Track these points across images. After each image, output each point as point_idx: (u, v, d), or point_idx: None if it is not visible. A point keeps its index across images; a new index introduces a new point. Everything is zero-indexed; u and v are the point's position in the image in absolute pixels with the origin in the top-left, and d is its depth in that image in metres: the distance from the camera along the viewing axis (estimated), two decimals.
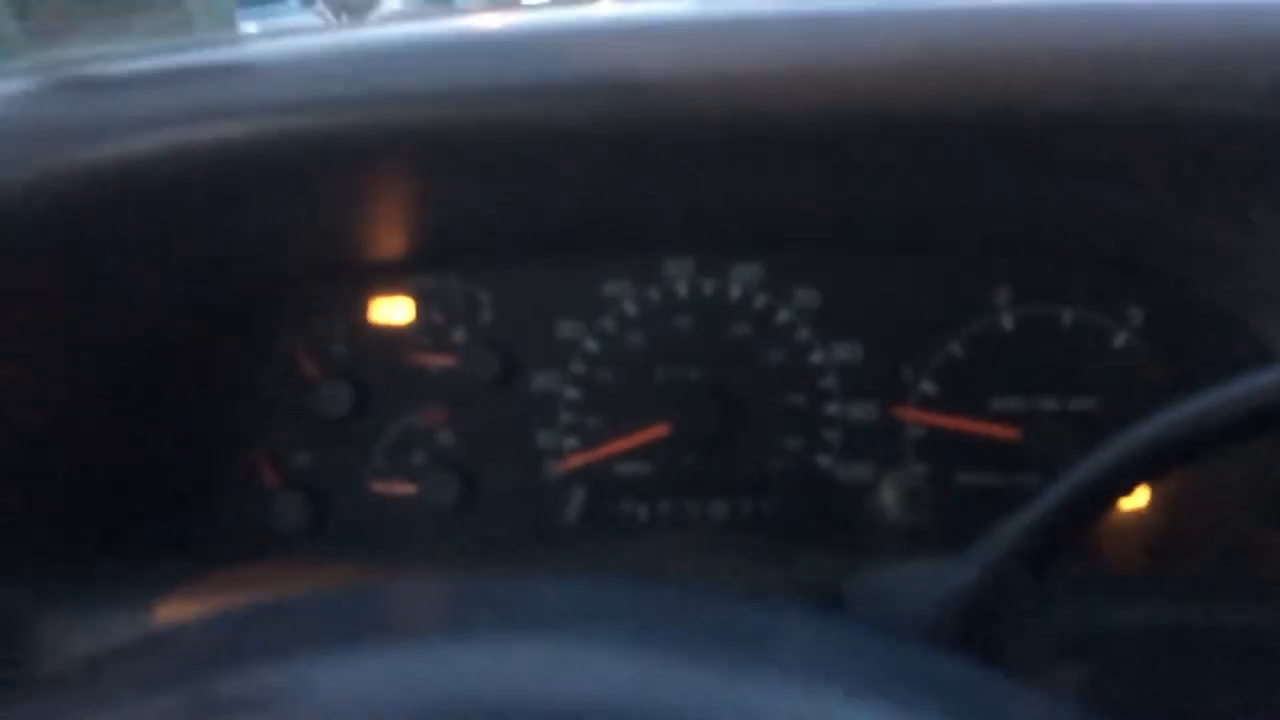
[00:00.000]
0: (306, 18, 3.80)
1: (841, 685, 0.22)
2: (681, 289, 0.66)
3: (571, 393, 0.67)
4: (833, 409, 0.65)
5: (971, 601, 0.42)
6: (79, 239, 0.54)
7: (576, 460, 0.67)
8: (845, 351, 0.65)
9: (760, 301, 0.66)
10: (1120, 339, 0.63)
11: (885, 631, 0.41)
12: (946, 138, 0.50)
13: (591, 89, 0.50)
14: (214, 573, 0.59)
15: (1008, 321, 0.64)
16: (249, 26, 2.85)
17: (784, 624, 0.26)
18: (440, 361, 0.68)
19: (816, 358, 0.65)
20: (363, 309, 0.68)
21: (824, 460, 0.65)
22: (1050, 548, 0.43)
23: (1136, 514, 0.61)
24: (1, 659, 0.56)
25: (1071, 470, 0.43)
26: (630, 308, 0.66)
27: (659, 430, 0.66)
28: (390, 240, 0.66)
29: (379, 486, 0.68)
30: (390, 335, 0.68)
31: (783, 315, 0.65)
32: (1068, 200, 0.57)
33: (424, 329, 0.68)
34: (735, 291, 0.66)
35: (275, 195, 0.56)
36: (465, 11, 0.54)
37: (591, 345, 0.67)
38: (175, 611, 0.58)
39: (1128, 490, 0.41)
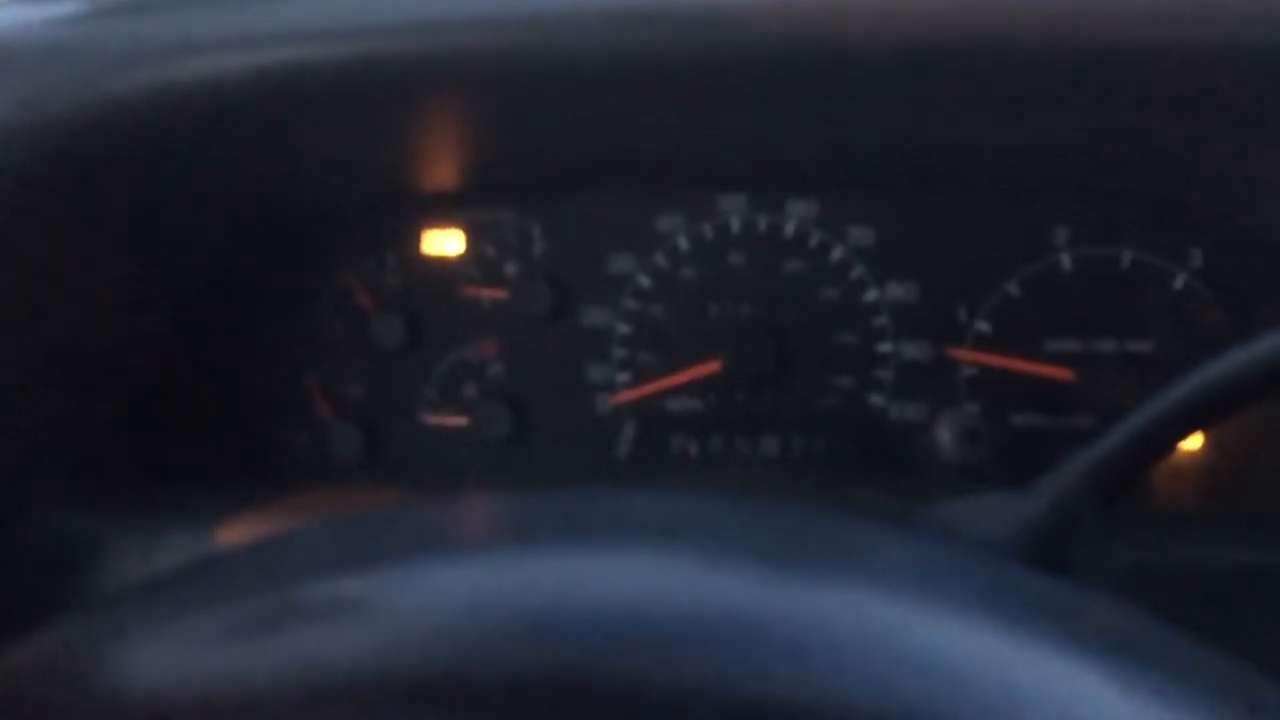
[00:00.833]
0: None
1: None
2: (735, 224, 0.66)
3: (623, 328, 0.67)
4: (886, 348, 0.65)
5: (1041, 532, 0.43)
6: (132, 166, 0.55)
7: (628, 395, 0.67)
8: (900, 290, 0.65)
9: (815, 239, 0.65)
10: (1179, 281, 0.62)
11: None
12: (1010, 71, 0.50)
13: (648, 16, 0.49)
14: (275, 498, 0.60)
15: (1066, 262, 0.63)
16: None
17: (897, 539, 0.26)
18: (492, 295, 0.68)
19: (871, 296, 0.65)
20: (415, 241, 0.68)
21: (876, 399, 0.65)
22: (1119, 482, 0.43)
23: (1190, 450, 0.61)
24: (71, 582, 0.57)
25: (1143, 406, 0.43)
26: (683, 243, 0.66)
27: (711, 366, 0.66)
28: (442, 172, 0.66)
29: (431, 418, 0.69)
30: (443, 268, 0.68)
31: (837, 253, 0.65)
32: (1129, 137, 0.57)
33: (476, 262, 0.68)
34: (789, 228, 0.65)
35: (326, 125, 0.56)
36: None
37: (644, 280, 0.67)
38: (237, 536, 0.59)
39: (1200, 427, 0.41)
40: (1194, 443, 0.61)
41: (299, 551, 0.27)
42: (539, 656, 0.21)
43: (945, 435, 0.62)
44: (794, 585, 0.22)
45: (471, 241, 0.68)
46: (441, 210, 0.68)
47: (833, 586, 0.22)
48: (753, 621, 0.21)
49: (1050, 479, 0.44)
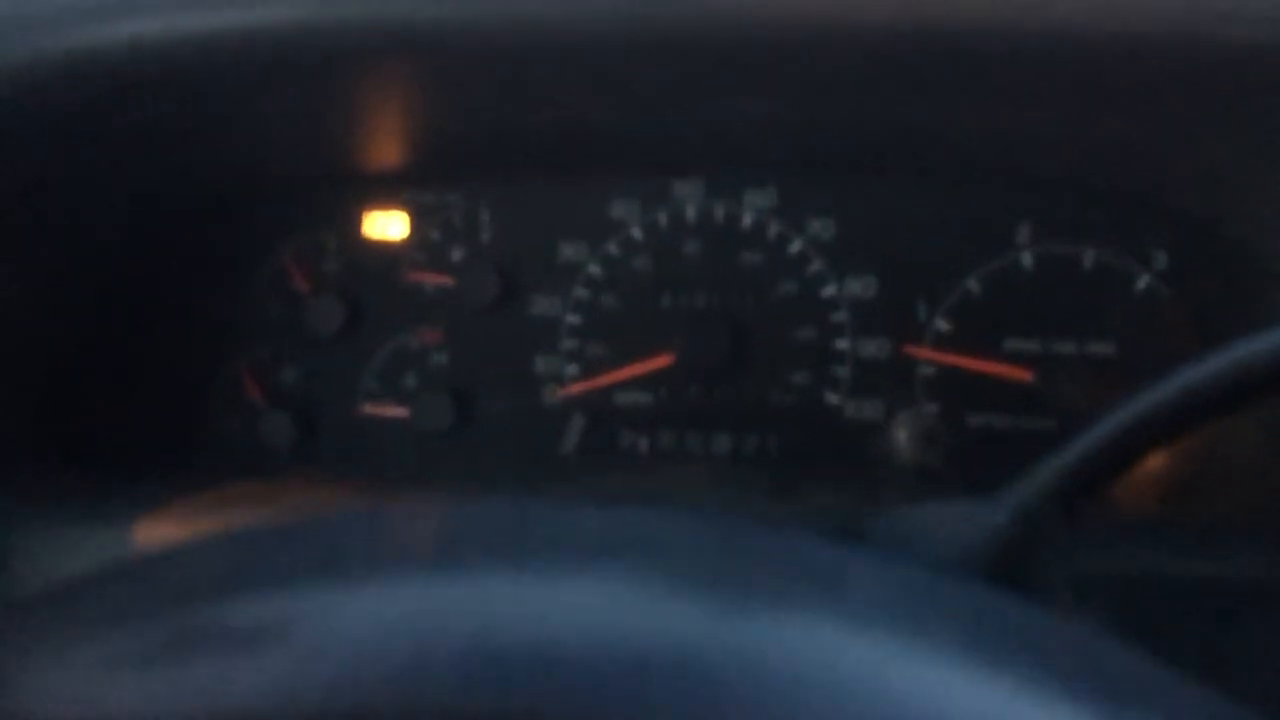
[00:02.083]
0: None
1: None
2: (691, 213, 0.64)
3: (573, 318, 0.65)
4: (843, 344, 0.63)
5: (1003, 544, 0.41)
6: (48, 135, 0.52)
7: (576, 388, 0.65)
8: (859, 286, 0.63)
9: (773, 230, 0.63)
10: (1143, 282, 0.61)
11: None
12: (976, 56, 0.48)
13: None
14: (196, 491, 0.57)
15: (1027, 260, 0.62)
16: None
17: (854, 563, 0.24)
18: (436, 280, 0.65)
19: (829, 291, 0.63)
20: (357, 223, 0.66)
21: (832, 397, 0.63)
22: (1083, 493, 0.42)
23: (1151, 458, 0.60)
24: None
25: (1109, 413, 0.41)
26: (637, 231, 0.64)
27: (663, 360, 0.64)
28: (388, 150, 0.64)
29: (369, 408, 0.66)
30: (385, 251, 0.66)
31: (795, 245, 0.63)
32: (1096, 132, 0.55)
33: (421, 246, 0.65)
34: (747, 218, 0.64)
35: (263, 95, 0.53)
36: None
37: (595, 269, 0.64)
38: (156, 531, 0.55)
39: (1171, 438, 0.40)
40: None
41: (211, 565, 0.25)
42: (462, 693, 0.19)
43: (901, 436, 0.60)
44: (750, 619, 0.20)
45: (416, 224, 0.65)
46: (385, 191, 0.65)
47: (793, 621, 0.20)
48: (705, 659, 0.19)
49: (1011, 488, 0.43)
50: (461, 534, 0.25)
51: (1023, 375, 0.62)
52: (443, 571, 0.23)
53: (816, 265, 0.63)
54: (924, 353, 0.62)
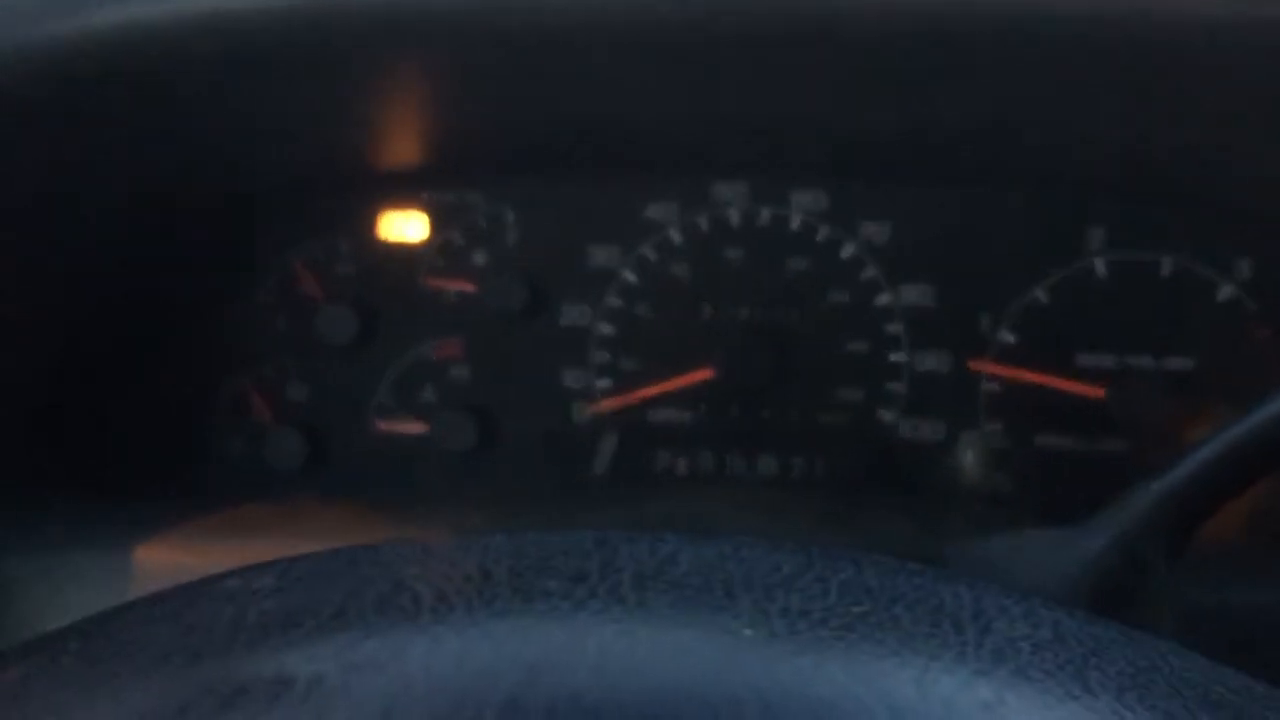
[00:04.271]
0: None
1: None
2: (734, 216, 0.60)
3: (605, 328, 0.61)
4: (899, 358, 0.60)
5: (1101, 574, 0.38)
6: (39, 129, 0.49)
7: (608, 404, 0.62)
8: (916, 294, 0.59)
9: (822, 234, 0.60)
10: (1224, 293, 0.57)
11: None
12: (1045, 46, 0.45)
13: None
14: (200, 515, 0.54)
15: (1100, 268, 0.58)
16: None
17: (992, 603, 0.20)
18: (458, 287, 0.62)
19: (883, 300, 0.59)
20: (372, 224, 0.62)
21: (887, 415, 0.59)
22: (1189, 520, 0.40)
23: None
24: None
25: (1219, 435, 0.39)
26: (675, 235, 0.61)
27: (702, 374, 0.60)
28: (405, 146, 0.60)
29: (385, 425, 0.63)
30: (402, 255, 0.62)
31: (847, 250, 0.60)
32: (1175, 130, 0.52)
33: (440, 250, 0.62)
34: (794, 221, 0.60)
35: (272, 86, 0.50)
36: None
37: (629, 276, 0.61)
38: (157, 557, 0.53)
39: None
40: None
41: (225, 609, 0.22)
42: None
43: (969, 458, 0.56)
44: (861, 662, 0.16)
45: (435, 226, 0.62)
46: (402, 190, 0.62)
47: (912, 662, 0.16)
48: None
49: (1108, 515, 0.41)
50: (503, 572, 0.22)
51: (1095, 392, 0.58)
52: (488, 618, 0.20)
53: (870, 272, 0.60)
54: (988, 367, 0.59)
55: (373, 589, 0.20)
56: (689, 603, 0.19)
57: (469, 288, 0.62)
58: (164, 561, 0.53)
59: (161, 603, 0.22)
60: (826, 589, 0.19)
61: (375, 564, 0.22)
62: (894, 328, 0.59)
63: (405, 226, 0.62)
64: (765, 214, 0.60)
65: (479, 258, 0.62)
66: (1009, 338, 0.59)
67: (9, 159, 0.49)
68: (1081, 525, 0.40)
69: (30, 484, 0.56)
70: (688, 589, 0.19)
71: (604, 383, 0.61)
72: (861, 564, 0.21)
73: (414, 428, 0.62)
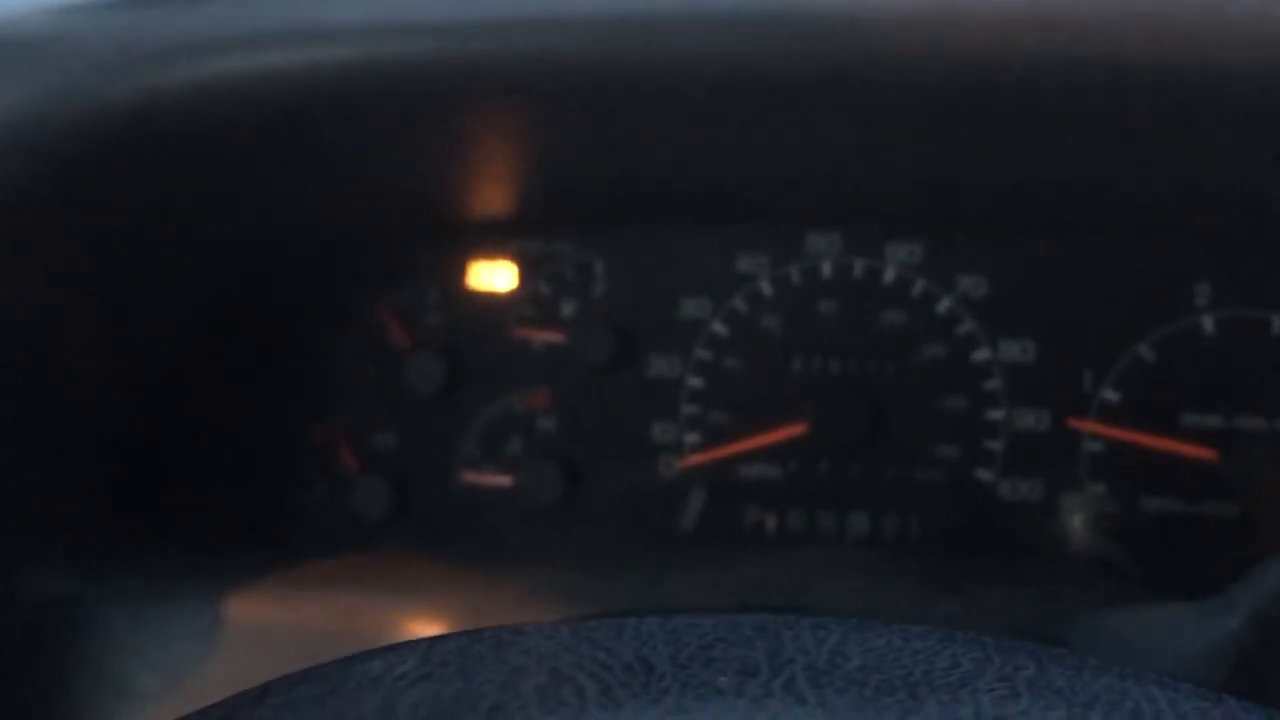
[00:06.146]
0: None
1: None
2: (826, 268, 0.59)
3: (694, 381, 0.60)
4: (997, 415, 0.58)
5: (1239, 651, 0.36)
6: (134, 182, 0.48)
7: (697, 459, 0.60)
8: (1015, 350, 0.58)
9: (918, 287, 0.58)
10: None
11: None
12: (1152, 96, 0.43)
13: (735, 24, 0.42)
14: (286, 566, 0.54)
15: (1208, 325, 0.56)
16: None
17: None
18: (546, 338, 0.61)
19: (981, 355, 0.58)
20: (461, 274, 0.62)
21: (985, 474, 0.57)
22: None
23: None
24: (56, 656, 0.49)
25: None
26: (766, 287, 0.60)
27: (794, 429, 0.59)
28: (495, 196, 0.60)
29: (470, 476, 0.62)
30: (490, 305, 0.62)
31: (943, 304, 0.58)
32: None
33: (529, 300, 0.61)
34: (889, 274, 0.59)
35: (367, 135, 0.49)
36: None
37: (720, 328, 0.60)
38: (244, 606, 0.52)
39: None
40: None
41: (371, 697, 0.21)
42: None
43: (1075, 521, 0.54)
44: None
45: (524, 276, 0.61)
46: (491, 240, 0.62)
47: None
48: None
49: (1242, 589, 0.39)
50: (712, 660, 0.20)
51: (1205, 454, 0.55)
52: (710, 714, 0.18)
53: (967, 326, 0.58)
54: (1090, 426, 0.57)
55: (529, 680, 0.19)
56: (873, 707, 0.17)
57: (557, 338, 0.61)
58: (253, 613, 0.52)
59: (305, 683, 0.21)
60: (1015, 690, 0.18)
61: (524, 651, 0.21)
62: (992, 384, 0.58)
63: (494, 276, 0.62)
64: (859, 266, 0.59)
65: (567, 308, 0.61)
66: (1112, 396, 0.57)
67: (102, 219, 0.49)
68: (1213, 600, 0.38)
69: (120, 537, 0.56)
70: (867, 689, 0.18)
71: (693, 437, 0.60)
72: (1042, 660, 0.20)
73: (500, 479, 0.61)
